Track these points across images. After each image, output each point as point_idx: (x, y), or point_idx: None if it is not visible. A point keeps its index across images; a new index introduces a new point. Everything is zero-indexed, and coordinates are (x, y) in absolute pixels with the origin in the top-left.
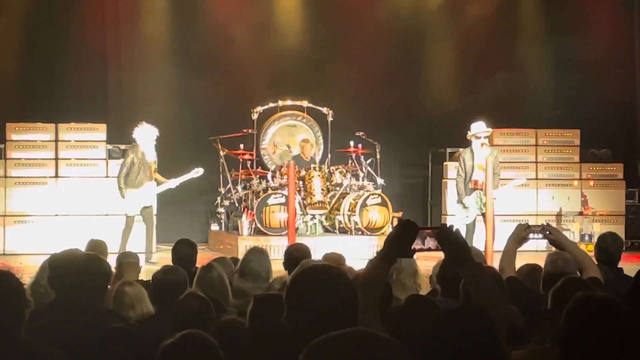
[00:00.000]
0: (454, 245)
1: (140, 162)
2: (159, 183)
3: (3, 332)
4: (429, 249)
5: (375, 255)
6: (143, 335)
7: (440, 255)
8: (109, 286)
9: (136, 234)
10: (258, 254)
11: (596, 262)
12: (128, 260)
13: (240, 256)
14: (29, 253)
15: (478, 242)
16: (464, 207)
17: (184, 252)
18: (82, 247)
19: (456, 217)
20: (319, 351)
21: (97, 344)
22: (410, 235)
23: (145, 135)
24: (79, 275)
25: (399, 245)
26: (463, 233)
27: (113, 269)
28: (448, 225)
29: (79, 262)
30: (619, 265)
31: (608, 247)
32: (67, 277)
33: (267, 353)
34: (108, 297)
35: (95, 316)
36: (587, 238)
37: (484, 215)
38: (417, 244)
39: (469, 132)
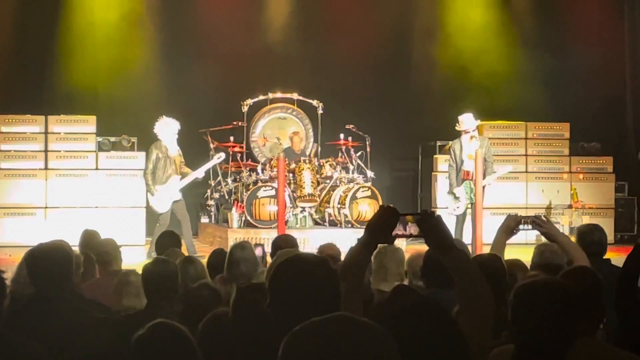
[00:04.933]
0: (435, 231)
1: (165, 157)
2: (184, 176)
3: None
4: (411, 235)
5: (356, 242)
6: (130, 326)
7: (415, 248)
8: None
9: (131, 224)
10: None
11: None
12: (106, 250)
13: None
14: (18, 245)
15: (466, 235)
16: (455, 197)
17: (166, 243)
18: (72, 239)
19: (448, 208)
20: (301, 337)
21: (77, 334)
22: (391, 222)
23: (167, 129)
24: (45, 262)
25: (379, 231)
26: (453, 223)
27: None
28: (429, 212)
29: (44, 250)
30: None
31: (594, 240)
32: (35, 265)
33: (251, 341)
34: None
35: (68, 304)
36: (576, 231)
37: (473, 205)
38: (398, 230)
39: (457, 124)
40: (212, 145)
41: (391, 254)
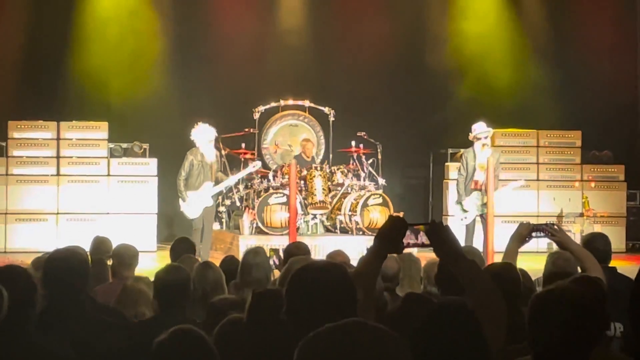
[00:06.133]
0: (443, 241)
1: (200, 163)
2: (219, 182)
3: (14, 329)
4: (422, 245)
5: (365, 251)
6: (142, 332)
7: (426, 256)
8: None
9: (142, 230)
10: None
11: None
12: (125, 256)
13: (241, 255)
14: (30, 251)
15: (477, 243)
16: (462, 208)
17: (180, 249)
18: (84, 245)
19: (454, 217)
20: (315, 342)
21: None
22: (400, 231)
23: (202, 136)
24: (59, 267)
25: (389, 240)
26: (463, 234)
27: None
28: (438, 221)
29: (60, 256)
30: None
31: (598, 249)
32: (51, 271)
33: (266, 346)
34: (126, 291)
35: (82, 310)
36: (581, 240)
37: (482, 216)
38: (410, 239)
39: (470, 133)
40: (223, 152)
41: (415, 263)
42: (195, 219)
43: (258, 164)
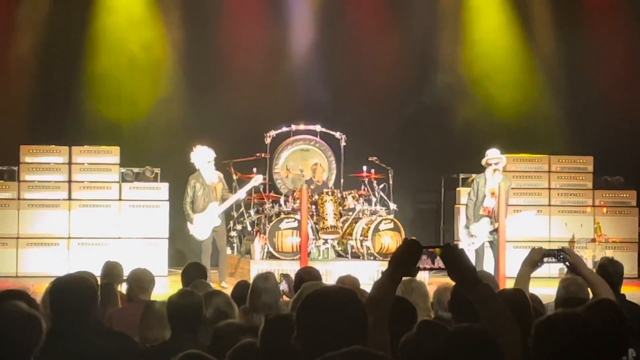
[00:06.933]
0: (458, 265)
1: (202, 186)
2: (224, 200)
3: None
4: (439, 268)
5: (380, 275)
6: (154, 357)
7: (440, 280)
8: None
9: (150, 254)
10: (264, 281)
11: None
12: (142, 280)
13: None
14: (41, 275)
15: (487, 268)
16: (470, 234)
17: (192, 274)
18: (95, 270)
19: (461, 242)
20: None
21: None
22: (415, 255)
23: (201, 157)
24: (66, 293)
25: (403, 264)
26: (473, 259)
27: (123, 290)
28: (452, 245)
29: (65, 281)
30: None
31: (610, 274)
32: (58, 296)
33: None
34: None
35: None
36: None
37: (492, 243)
38: (426, 263)
39: (483, 158)
40: (235, 177)
41: (418, 289)
42: (205, 240)
43: (259, 177)
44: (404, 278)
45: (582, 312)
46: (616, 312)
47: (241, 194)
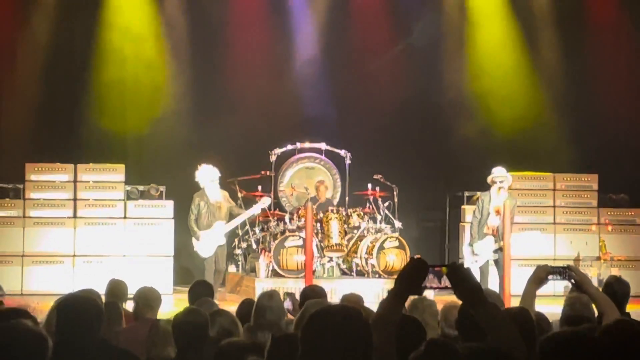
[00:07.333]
0: (464, 283)
1: (206, 204)
2: (236, 215)
3: None
4: (445, 287)
5: (386, 294)
6: None
7: (446, 299)
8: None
9: (155, 272)
10: (268, 299)
11: None
12: (149, 298)
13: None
14: (46, 293)
15: (491, 286)
16: (473, 252)
17: (199, 292)
18: (100, 288)
19: (464, 260)
20: None
21: None
22: (421, 273)
23: (205, 176)
24: (71, 311)
25: (410, 283)
26: (477, 277)
27: (129, 308)
28: (458, 264)
29: (71, 300)
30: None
31: (615, 292)
32: (64, 314)
33: None
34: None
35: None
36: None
37: (496, 261)
38: (433, 282)
39: (489, 176)
40: (240, 195)
41: (429, 308)
42: (208, 258)
43: (267, 200)
44: (413, 297)
45: (599, 334)
46: (636, 332)
47: (251, 211)
